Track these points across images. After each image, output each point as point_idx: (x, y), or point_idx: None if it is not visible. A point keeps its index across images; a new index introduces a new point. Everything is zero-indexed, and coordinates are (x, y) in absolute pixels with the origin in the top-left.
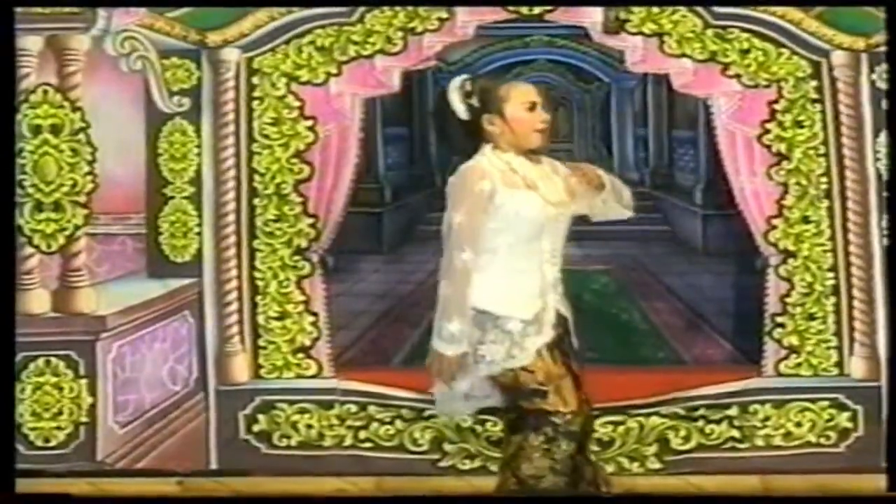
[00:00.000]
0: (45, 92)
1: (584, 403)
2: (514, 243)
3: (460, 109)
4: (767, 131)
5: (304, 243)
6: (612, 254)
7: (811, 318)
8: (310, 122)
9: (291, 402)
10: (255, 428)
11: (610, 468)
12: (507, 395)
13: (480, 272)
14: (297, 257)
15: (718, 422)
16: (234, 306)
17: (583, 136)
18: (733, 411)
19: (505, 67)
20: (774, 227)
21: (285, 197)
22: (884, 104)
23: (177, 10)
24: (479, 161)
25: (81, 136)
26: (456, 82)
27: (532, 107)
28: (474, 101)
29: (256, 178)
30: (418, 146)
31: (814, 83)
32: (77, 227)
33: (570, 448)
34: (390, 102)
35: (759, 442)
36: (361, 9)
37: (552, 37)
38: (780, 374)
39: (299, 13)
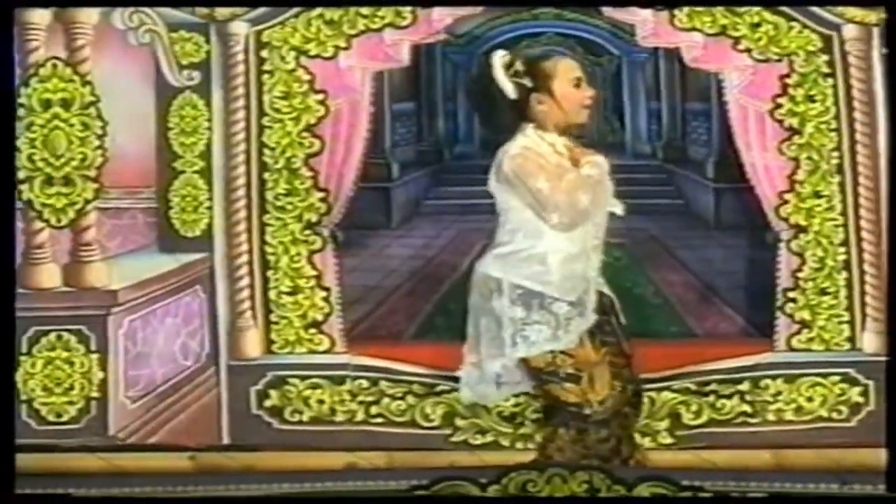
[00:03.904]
0: (55, 66)
1: (629, 382)
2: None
3: (509, 89)
4: (779, 106)
5: (314, 217)
6: (625, 227)
7: (823, 292)
8: (320, 96)
9: (303, 378)
10: (267, 403)
11: None
12: (536, 378)
13: (533, 251)
14: (307, 232)
15: (730, 396)
16: (246, 281)
17: (594, 110)
18: (745, 386)
19: (513, 40)
20: (786, 202)
21: (296, 171)
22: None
23: None
24: (530, 143)
25: (91, 109)
26: (499, 59)
27: (578, 83)
28: (525, 81)
29: (267, 152)
30: (426, 121)
31: (825, 57)
32: (87, 202)
33: (602, 434)
34: (397, 78)
35: (771, 416)
36: None
37: (561, 9)
38: (791, 349)
39: None
